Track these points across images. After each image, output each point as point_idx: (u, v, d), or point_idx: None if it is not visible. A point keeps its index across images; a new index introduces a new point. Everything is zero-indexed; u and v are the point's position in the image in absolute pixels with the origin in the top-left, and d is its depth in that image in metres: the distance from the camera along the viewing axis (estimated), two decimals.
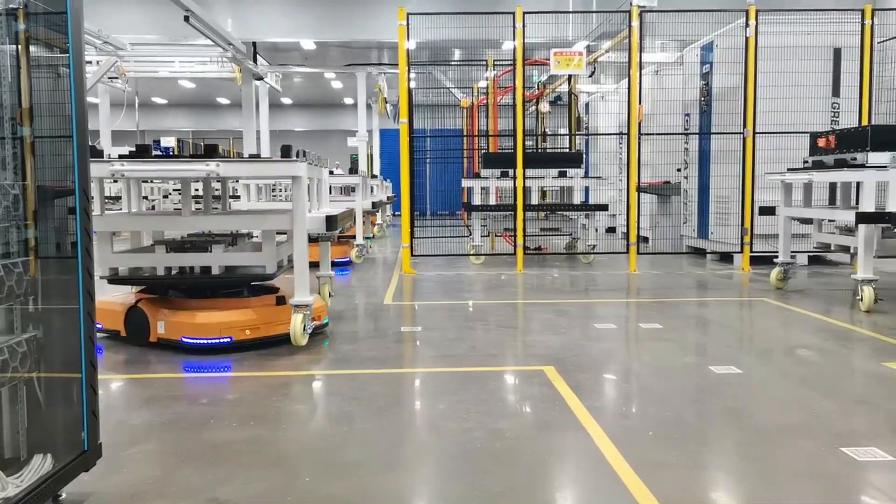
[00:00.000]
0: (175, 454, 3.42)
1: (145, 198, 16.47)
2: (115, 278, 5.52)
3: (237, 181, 11.51)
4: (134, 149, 5.36)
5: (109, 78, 18.31)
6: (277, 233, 5.94)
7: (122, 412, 4.11)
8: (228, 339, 5.28)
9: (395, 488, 3.02)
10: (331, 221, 5.46)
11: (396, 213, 22.48)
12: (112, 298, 5.79)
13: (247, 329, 5.35)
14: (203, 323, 5.27)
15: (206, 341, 5.24)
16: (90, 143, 6.44)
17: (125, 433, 3.69)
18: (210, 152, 5.10)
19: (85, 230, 2.77)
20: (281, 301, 5.56)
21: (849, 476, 3.11)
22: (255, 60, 17.40)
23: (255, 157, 6.26)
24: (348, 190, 14.65)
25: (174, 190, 19.12)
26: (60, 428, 2.82)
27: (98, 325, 5.36)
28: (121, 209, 6.99)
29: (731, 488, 3.04)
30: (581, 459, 3.34)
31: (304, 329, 5.41)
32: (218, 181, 6.38)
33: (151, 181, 19.94)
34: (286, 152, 5.26)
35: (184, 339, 5.28)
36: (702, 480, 3.13)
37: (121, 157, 5.11)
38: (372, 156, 22.68)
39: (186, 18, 9.14)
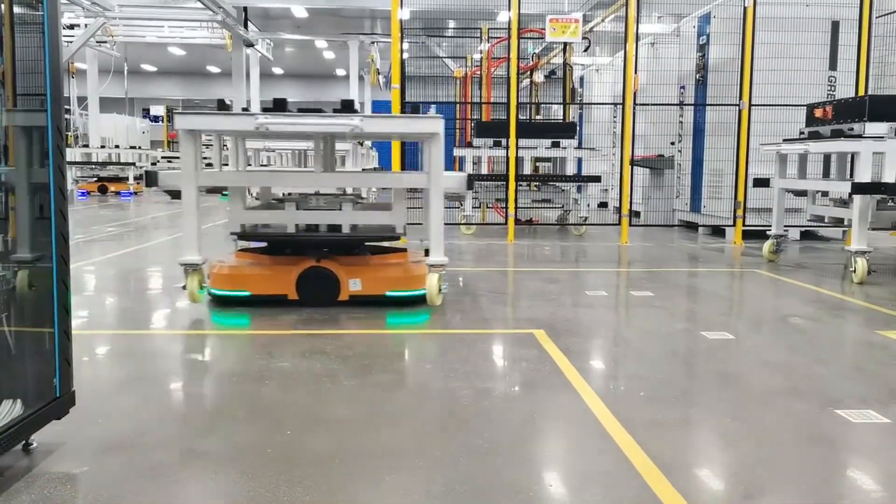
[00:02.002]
0: (154, 408, 3.33)
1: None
2: (244, 234, 5.64)
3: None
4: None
5: (98, 42, 17.98)
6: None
7: (93, 365, 4.01)
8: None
9: (379, 444, 2.93)
10: (471, 180, 5.68)
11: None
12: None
13: None
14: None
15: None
16: (222, 99, 6.66)
17: (102, 385, 3.60)
18: (347, 108, 5.14)
19: (58, 168, 2.65)
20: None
21: (843, 436, 3.04)
22: (245, 26, 17.13)
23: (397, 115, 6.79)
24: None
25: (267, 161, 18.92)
26: (31, 374, 2.71)
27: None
28: None
29: (724, 447, 2.96)
30: (571, 418, 3.26)
31: (440, 289, 5.44)
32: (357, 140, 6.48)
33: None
34: (280, 106, 5.20)
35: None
36: (694, 440, 3.06)
37: (264, 110, 5.14)
38: None
39: None
